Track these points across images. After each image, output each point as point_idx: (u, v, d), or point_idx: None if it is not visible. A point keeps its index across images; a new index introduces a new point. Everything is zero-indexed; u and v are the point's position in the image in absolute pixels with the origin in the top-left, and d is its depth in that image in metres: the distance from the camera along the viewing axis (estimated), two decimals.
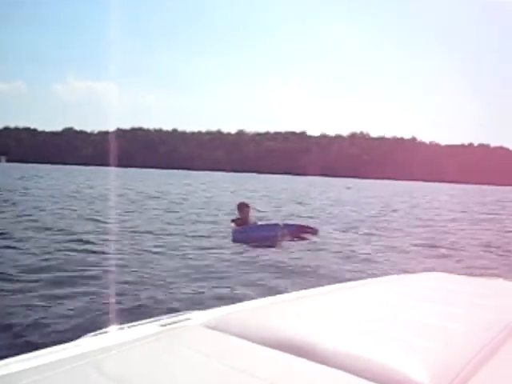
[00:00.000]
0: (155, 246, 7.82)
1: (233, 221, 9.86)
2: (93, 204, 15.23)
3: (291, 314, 1.41)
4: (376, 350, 1.11)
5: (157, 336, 1.22)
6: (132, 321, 1.42)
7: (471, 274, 3.09)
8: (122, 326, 1.38)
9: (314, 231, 10.06)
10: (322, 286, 2.01)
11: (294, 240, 9.14)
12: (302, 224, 10.68)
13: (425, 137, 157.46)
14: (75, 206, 14.27)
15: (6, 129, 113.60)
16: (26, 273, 5.54)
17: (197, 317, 1.45)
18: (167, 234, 9.45)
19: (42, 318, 4.07)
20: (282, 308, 1.51)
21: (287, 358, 1.09)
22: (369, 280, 2.21)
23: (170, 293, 4.92)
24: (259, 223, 10.01)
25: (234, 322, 1.31)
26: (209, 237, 9.33)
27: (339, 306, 1.55)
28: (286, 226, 9.61)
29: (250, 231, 9.23)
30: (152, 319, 1.42)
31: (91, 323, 3.73)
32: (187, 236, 9.28)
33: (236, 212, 10.08)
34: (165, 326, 1.36)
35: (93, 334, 1.32)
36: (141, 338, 1.21)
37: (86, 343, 1.23)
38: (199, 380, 0.98)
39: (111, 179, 31.09)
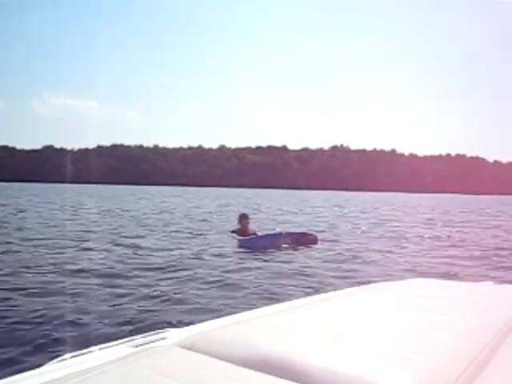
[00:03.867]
0: None
1: (233, 231, 10.58)
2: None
3: (271, 330, 1.34)
4: (361, 367, 1.03)
5: (126, 359, 1.16)
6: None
7: (460, 279, 3.15)
8: (92, 348, 1.33)
9: (313, 238, 10.71)
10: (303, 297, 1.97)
11: (295, 247, 9.79)
12: (303, 232, 11.34)
13: (404, 149, 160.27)
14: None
15: None
16: None
17: (172, 335, 1.41)
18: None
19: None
20: (262, 324, 1.43)
21: (267, 380, 1.02)
22: (351, 289, 2.15)
23: None
24: (259, 233, 10.68)
25: (210, 341, 1.25)
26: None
27: (321, 320, 1.47)
28: (289, 234, 10.44)
29: (256, 240, 10.06)
30: (125, 340, 1.38)
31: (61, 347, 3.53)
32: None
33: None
34: (138, 346, 1.32)
35: (58, 359, 1.26)
36: (110, 361, 1.15)
37: (49, 371, 1.15)
38: None
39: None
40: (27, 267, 6.79)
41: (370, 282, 2.46)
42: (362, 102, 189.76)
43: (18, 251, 8.43)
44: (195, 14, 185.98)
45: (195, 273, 6.72)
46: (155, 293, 5.44)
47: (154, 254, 8.55)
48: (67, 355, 1.27)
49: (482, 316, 1.51)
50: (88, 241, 10.05)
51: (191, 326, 1.55)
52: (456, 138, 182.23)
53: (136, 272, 6.70)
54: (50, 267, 6.86)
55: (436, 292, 1.91)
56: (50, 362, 1.25)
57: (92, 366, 1.12)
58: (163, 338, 1.39)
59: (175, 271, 6.85)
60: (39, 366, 1.23)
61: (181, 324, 3.71)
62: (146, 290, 5.56)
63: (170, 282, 6.16)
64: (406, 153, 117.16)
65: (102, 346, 1.34)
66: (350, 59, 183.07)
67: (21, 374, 1.15)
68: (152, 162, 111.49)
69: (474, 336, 1.28)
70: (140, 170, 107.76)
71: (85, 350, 1.31)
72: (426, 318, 1.44)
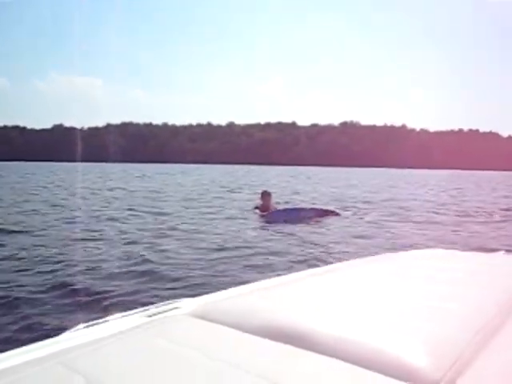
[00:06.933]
0: None
1: (256, 207, 10.99)
2: None
3: (281, 299, 1.36)
4: (371, 335, 1.05)
5: (140, 328, 1.18)
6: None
7: (471, 249, 3.13)
8: (107, 318, 1.36)
9: (336, 214, 11.03)
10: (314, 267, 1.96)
11: (318, 221, 10.10)
12: (326, 208, 11.68)
13: (415, 124, 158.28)
14: None
15: None
16: None
17: (185, 305, 1.43)
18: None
19: (15, 314, 3.71)
20: (272, 293, 1.45)
21: (278, 347, 1.04)
22: (361, 259, 2.15)
23: None
24: (280, 207, 11.13)
25: (222, 310, 1.27)
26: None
27: (332, 289, 1.49)
28: (312, 209, 10.89)
29: (281, 214, 10.46)
30: (139, 309, 1.41)
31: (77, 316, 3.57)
32: None
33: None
34: (151, 316, 1.35)
35: (74, 329, 1.29)
36: (124, 331, 1.18)
37: (65, 340, 1.18)
38: (183, 374, 0.93)
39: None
40: None
41: None
42: (371, 77, 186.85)
43: None
44: None
45: None
46: None
47: None
48: (81, 325, 1.30)
49: (491, 286, 1.52)
50: None
51: (204, 296, 1.57)
52: (469, 113, 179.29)
53: None
54: None
55: (446, 262, 1.91)
56: (66, 332, 1.27)
57: (106, 336, 1.15)
58: (176, 308, 1.42)
59: None
60: (57, 335, 1.26)
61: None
62: None
63: None
64: (417, 128, 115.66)
65: (117, 315, 1.37)
66: (360, 38, 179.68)
67: (37, 342, 1.16)
68: (161, 140, 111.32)
69: (482, 306, 1.29)
70: (149, 148, 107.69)
71: (99, 320, 1.34)
72: (434, 288, 1.45)
